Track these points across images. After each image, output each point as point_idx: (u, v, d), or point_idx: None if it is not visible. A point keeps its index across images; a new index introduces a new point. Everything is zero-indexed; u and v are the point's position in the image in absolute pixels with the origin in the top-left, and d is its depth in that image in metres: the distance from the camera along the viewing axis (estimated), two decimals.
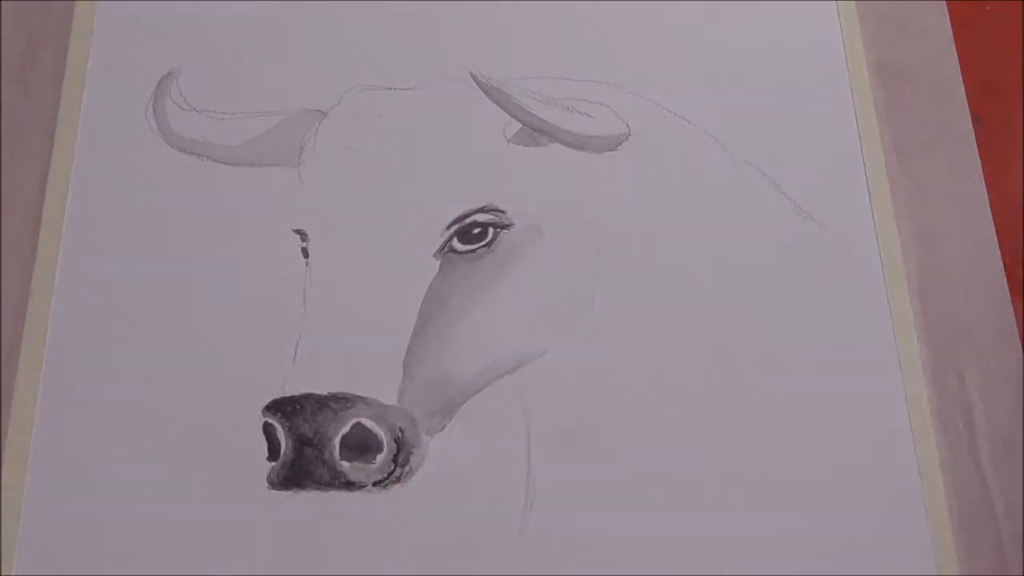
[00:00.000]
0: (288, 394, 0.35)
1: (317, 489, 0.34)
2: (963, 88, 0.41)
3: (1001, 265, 0.39)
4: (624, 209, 0.39)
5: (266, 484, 0.34)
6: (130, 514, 0.34)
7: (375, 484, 0.34)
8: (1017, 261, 0.39)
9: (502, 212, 0.38)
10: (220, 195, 0.39)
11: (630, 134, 0.40)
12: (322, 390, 0.35)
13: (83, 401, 0.35)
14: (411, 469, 0.34)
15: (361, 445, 0.34)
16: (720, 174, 0.39)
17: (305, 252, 0.38)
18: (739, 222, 0.39)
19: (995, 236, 0.39)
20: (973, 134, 0.41)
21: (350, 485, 0.34)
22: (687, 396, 0.36)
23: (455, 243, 0.37)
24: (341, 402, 0.35)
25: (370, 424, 0.34)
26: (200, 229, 0.38)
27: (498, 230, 0.38)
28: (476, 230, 0.37)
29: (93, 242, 0.38)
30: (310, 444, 0.34)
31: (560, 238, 0.38)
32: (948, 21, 0.43)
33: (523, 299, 0.37)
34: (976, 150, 0.40)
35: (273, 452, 0.34)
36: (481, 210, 0.38)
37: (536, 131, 0.39)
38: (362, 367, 0.35)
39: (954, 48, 0.42)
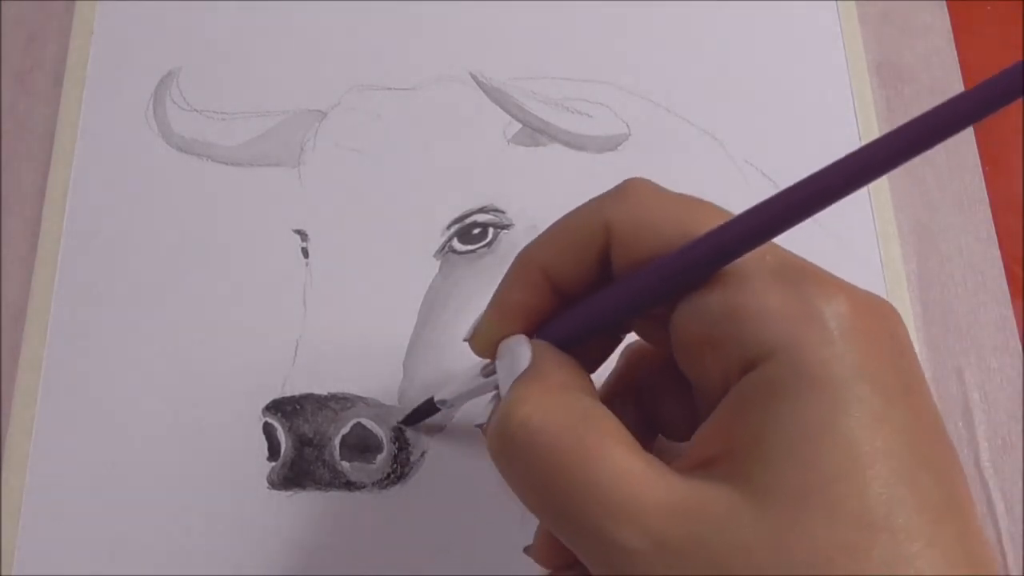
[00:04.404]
0: (288, 394, 0.35)
1: (317, 489, 0.34)
2: (963, 88, 0.41)
3: (1001, 265, 0.39)
4: None
5: (266, 484, 0.34)
6: (130, 514, 0.34)
7: (375, 484, 0.34)
8: (1017, 261, 0.39)
9: (502, 212, 0.38)
10: (220, 195, 0.39)
11: (630, 134, 0.40)
12: (322, 390, 0.35)
13: (83, 401, 0.35)
14: (411, 469, 0.34)
15: (361, 445, 0.34)
16: (720, 174, 0.39)
17: (305, 252, 0.38)
18: None
19: (995, 236, 0.39)
20: (973, 134, 0.41)
21: (350, 485, 0.34)
22: None
23: (455, 243, 0.37)
24: (341, 402, 0.35)
25: (370, 424, 0.34)
26: (200, 229, 0.38)
27: (498, 230, 0.38)
28: (476, 230, 0.37)
29: (93, 242, 0.38)
30: (310, 444, 0.34)
31: None
32: (948, 21, 0.43)
33: None
34: (976, 150, 0.40)
35: (273, 452, 0.35)
36: (481, 210, 0.38)
37: (536, 131, 0.39)
38: (362, 367, 0.35)
39: (954, 48, 0.42)
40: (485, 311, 0.26)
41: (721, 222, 0.21)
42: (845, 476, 0.18)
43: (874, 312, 0.21)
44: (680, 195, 0.24)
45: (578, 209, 0.25)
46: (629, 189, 0.24)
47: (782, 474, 0.19)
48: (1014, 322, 0.38)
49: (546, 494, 0.21)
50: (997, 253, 0.39)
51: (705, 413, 0.22)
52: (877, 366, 0.20)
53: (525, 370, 0.23)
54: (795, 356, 0.19)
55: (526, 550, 0.27)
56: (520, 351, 0.24)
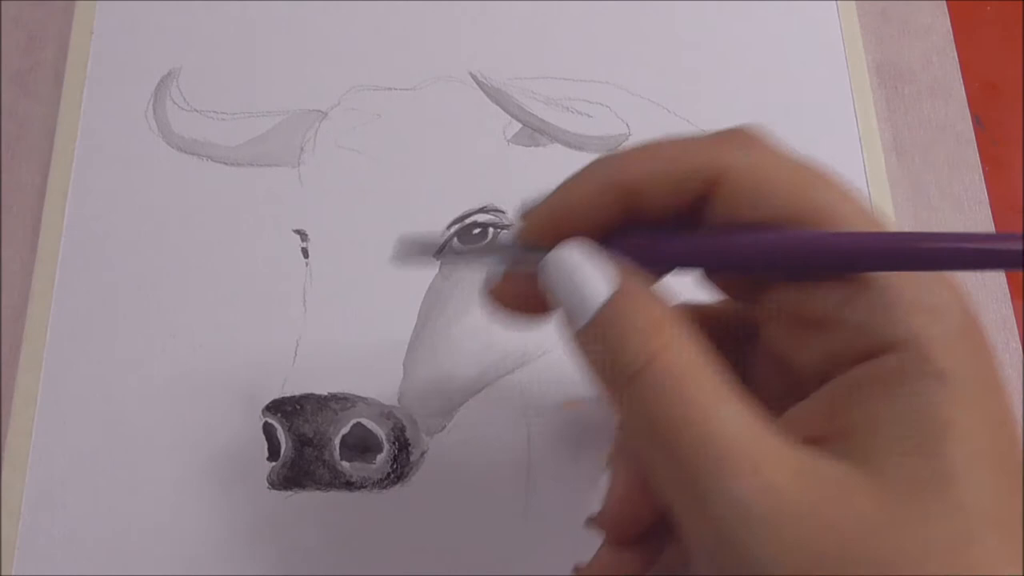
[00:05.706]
0: (288, 394, 0.35)
1: (317, 489, 0.34)
2: (963, 88, 0.41)
3: None
4: None
5: (266, 484, 0.34)
6: (130, 514, 0.34)
7: (375, 484, 0.34)
8: None
9: (502, 212, 0.38)
10: (220, 195, 0.39)
11: (630, 134, 0.40)
12: (322, 390, 0.35)
13: (83, 401, 0.35)
14: (411, 469, 0.34)
15: (361, 445, 0.34)
16: None
17: (305, 252, 0.38)
18: None
19: None
20: (973, 134, 0.41)
21: (350, 485, 0.34)
22: None
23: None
24: (341, 402, 0.35)
25: (370, 424, 0.34)
26: (200, 229, 0.38)
27: (498, 230, 0.38)
28: (476, 230, 0.37)
29: (93, 242, 0.38)
30: (310, 444, 0.34)
31: None
32: (948, 21, 0.43)
33: None
34: (976, 150, 0.40)
35: (273, 452, 0.35)
36: (481, 210, 0.38)
37: (536, 131, 0.39)
38: (362, 367, 0.35)
39: (954, 48, 0.42)
40: (548, 195, 0.24)
41: (844, 206, 0.21)
42: (965, 472, 0.19)
43: (971, 306, 0.21)
44: (799, 163, 0.22)
45: (685, 141, 0.23)
46: (749, 139, 0.23)
47: (904, 462, 0.19)
48: (1014, 322, 0.38)
49: (665, 438, 0.20)
50: None
51: (793, 384, 0.21)
52: (988, 364, 0.20)
53: (637, 295, 0.21)
54: (922, 351, 0.20)
55: (589, 520, 0.26)
56: (608, 270, 0.22)
